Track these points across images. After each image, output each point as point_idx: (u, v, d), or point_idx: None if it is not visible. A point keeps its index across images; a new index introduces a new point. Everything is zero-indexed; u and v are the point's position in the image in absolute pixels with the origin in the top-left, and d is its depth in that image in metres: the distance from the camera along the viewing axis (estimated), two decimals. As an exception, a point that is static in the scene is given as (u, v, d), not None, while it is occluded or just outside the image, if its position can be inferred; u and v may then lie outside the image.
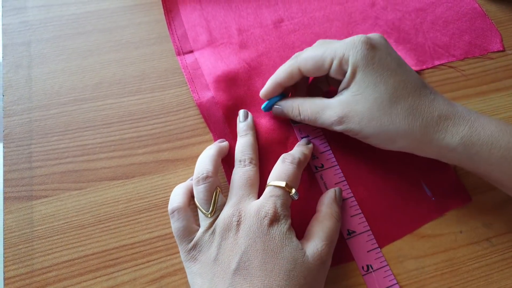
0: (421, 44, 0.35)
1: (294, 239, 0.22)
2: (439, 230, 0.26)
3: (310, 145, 0.28)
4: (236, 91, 0.31)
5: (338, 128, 0.25)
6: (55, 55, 0.33)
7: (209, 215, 0.23)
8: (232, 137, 0.29)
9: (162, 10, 0.36)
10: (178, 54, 0.34)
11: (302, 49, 0.34)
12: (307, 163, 0.27)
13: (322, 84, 0.29)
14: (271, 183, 0.23)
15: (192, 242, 0.23)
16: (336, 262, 0.25)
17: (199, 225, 0.24)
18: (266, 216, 0.22)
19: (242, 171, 0.25)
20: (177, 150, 0.29)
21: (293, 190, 0.23)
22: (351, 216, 0.26)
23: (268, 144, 0.29)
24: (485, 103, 0.31)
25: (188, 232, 0.23)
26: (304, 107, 0.26)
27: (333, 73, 0.24)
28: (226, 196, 0.25)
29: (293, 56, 0.27)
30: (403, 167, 0.28)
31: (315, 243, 0.22)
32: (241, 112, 0.29)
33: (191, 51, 0.34)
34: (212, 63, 0.33)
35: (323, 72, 0.25)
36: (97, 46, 0.34)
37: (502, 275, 0.25)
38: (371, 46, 0.23)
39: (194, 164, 0.25)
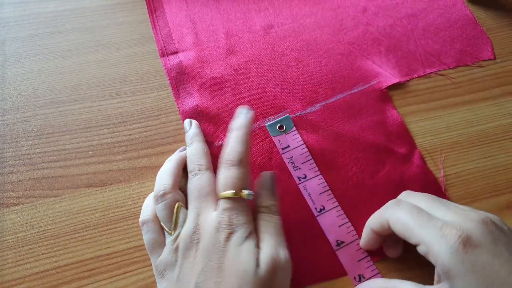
0: (413, 51, 0.36)
1: (252, 248, 0.22)
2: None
3: (244, 134, 0.25)
4: (221, 99, 0.32)
5: None
6: (31, 55, 0.34)
7: (172, 232, 0.24)
8: (211, 147, 0.30)
9: (145, 10, 0.37)
10: (162, 55, 0.35)
11: (292, 57, 0.35)
12: (249, 154, 0.25)
13: None
14: (220, 196, 0.24)
15: (159, 259, 0.24)
16: (327, 276, 0.26)
17: None
18: (222, 231, 0.22)
19: (194, 182, 0.25)
20: (157, 157, 0.30)
21: (245, 192, 0.23)
22: (339, 226, 0.28)
23: (252, 157, 0.30)
24: (472, 112, 0.33)
25: (158, 244, 0.24)
26: None
27: (422, 254, 0.22)
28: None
29: (392, 203, 0.25)
30: (389, 177, 0.30)
31: (266, 250, 0.23)
32: (186, 122, 0.30)
33: (176, 52, 0.35)
34: (198, 68, 0.34)
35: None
36: (76, 46, 0.34)
37: None
38: (471, 246, 0.20)
39: (175, 172, 0.26)
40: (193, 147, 0.28)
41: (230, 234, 0.22)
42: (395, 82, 0.34)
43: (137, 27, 0.36)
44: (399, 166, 0.30)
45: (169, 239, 0.24)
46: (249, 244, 0.22)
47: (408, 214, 0.23)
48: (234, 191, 0.23)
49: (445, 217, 0.22)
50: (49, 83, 0.32)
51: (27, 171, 0.29)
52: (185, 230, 0.24)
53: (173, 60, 0.34)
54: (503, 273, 0.19)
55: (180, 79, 0.33)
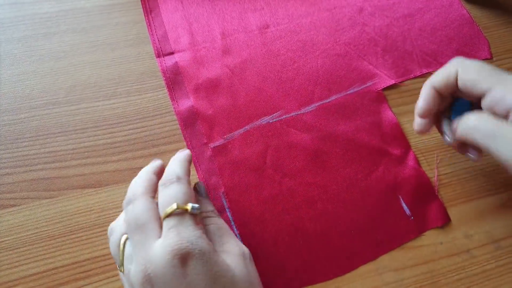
0: (409, 52, 0.37)
1: (219, 259, 0.20)
2: (420, 241, 0.29)
3: (184, 154, 0.25)
4: (217, 99, 0.33)
5: None
6: (26, 56, 0.34)
7: (121, 269, 0.22)
8: (206, 148, 0.31)
9: (140, 10, 0.37)
10: (158, 56, 0.35)
11: (287, 57, 0.36)
12: (189, 170, 0.25)
13: None
14: (162, 216, 0.21)
15: None
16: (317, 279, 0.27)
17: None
18: (174, 256, 0.19)
19: (128, 211, 0.22)
20: (153, 157, 0.30)
21: (189, 205, 0.21)
22: None
23: (246, 158, 0.31)
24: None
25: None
26: None
27: (488, 105, 0.23)
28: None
29: (457, 58, 0.26)
30: (382, 178, 0.30)
31: (234, 250, 0.22)
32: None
33: (172, 53, 0.36)
34: (193, 69, 0.35)
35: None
36: (71, 47, 0.35)
37: (481, 288, 0.27)
38: None
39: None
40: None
41: (186, 257, 0.19)
42: (391, 83, 0.35)
43: (133, 28, 0.36)
44: (393, 168, 0.31)
45: (124, 279, 0.22)
46: (214, 256, 0.20)
47: (479, 63, 0.24)
48: (176, 204, 0.21)
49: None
50: (44, 84, 0.33)
51: (23, 173, 0.29)
52: (133, 272, 0.20)
53: (169, 60, 0.35)
54: None
55: (175, 79, 0.34)
